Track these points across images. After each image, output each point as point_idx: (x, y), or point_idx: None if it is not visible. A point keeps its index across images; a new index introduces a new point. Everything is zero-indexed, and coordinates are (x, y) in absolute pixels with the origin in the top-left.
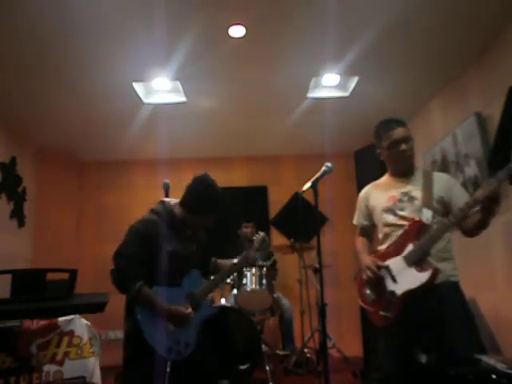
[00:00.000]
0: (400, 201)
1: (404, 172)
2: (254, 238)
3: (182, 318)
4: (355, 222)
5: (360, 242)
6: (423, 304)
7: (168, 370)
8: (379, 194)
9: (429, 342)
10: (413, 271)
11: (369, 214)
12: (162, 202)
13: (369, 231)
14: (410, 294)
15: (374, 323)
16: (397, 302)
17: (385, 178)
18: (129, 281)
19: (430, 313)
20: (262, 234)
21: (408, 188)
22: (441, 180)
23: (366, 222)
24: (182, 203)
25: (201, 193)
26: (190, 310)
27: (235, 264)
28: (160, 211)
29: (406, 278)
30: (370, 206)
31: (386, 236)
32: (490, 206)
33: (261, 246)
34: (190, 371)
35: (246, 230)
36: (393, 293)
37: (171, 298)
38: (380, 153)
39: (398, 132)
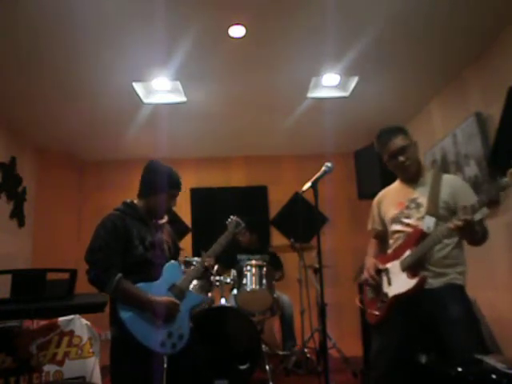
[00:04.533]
0: (407, 208)
1: (410, 179)
2: (227, 222)
3: (170, 309)
4: (369, 227)
5: (370, 244)
6: (421, 306)
7: (165, 366)
8: (389, 201)
9: (427, 343)
10: (404, 276)
11: (381, 220)
12: (124, 201)
13: (382, 235)
14: (399, 298)
15: (367, 320)
16: (387, 304)
17: (396, 184)
18: (106, 273)
19: (427, 314)
20: (234, 217)
21: (415, 194)
22: (448, 184)
23: (379, 228)
24: (139, 194)
25: (149, 173)
26: (176, 300)
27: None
28: (121, 207)
29: (398, 282)
30: (382, 213)
31: (394, 242)
32: (462, 234)
33: (236, 229)
34: (189, 364)
35: (243, 238)
36: (386, 294)
37: (152, 292)
38: (385, 163)
39: (394, 144)
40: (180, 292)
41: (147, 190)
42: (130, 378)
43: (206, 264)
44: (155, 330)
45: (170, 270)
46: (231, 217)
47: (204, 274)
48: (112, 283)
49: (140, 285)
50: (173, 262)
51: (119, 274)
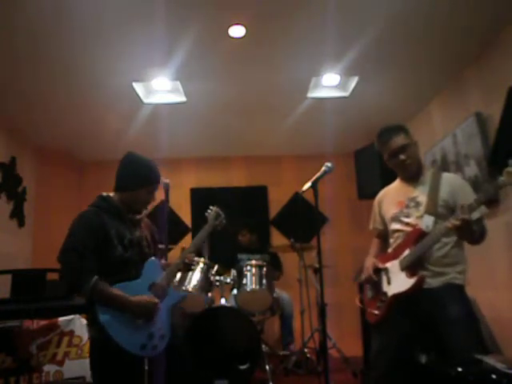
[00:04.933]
0: (407, 206)
1: (410, 178)
2: (206, 214)
3: (149, 308)
4: (371, 227)
5: (372, 244)
6: (420, 305)
7: (146, 367)
8: (389, 201)
9: (427, 343)
10: (403, 275)
11: (382, 219)
12: (99, 195)
13: (384, 234)
14: (398, 297)
15: (367, 319)
16: (386, 303)
17: (396, 183)
18: (81, 276)
19: (426, 314)
20: (214, 208)
21: (415, 193)
22: (448, 183)
23: (380, 227)
24: (116, 188)
25: (127, 166)
26: (155, 299)
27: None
28: (97, 202)
29: (397, 282)
30: (382, 212)
31: (394, 241)
32: (460, 233)
33: (215, 221)
34: (169, 364)
35: (243, 238)
36: (385, 294)
37: (132, 292)
38: (386, 162)
39: (394, 142)
40: (161, 290)
41: (125, 185)
42: (111, 381)
43: (186, 261)
44: (135, 332)
45: (150, 268)
46: (210, 207)
47: (185, 269)
48: (88, 286)
49: (119, 285)
50: (153, 258)
51: (95, 277)
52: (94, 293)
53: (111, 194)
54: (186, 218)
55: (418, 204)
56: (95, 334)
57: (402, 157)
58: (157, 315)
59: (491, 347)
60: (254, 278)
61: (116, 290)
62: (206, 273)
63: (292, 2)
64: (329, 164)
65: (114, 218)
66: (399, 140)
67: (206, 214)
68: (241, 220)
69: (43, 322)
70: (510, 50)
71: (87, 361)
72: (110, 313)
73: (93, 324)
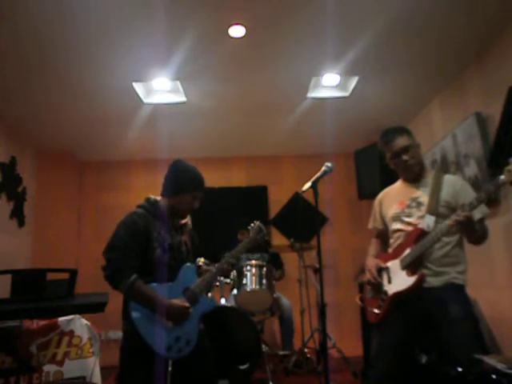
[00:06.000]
0: (408, 207)
1: (412, 178)
2: (249, 227)
3: (181, 313)
4: (370, 226)
5: (372, 244)
6: (420, 305)
7: (170, 369)
8: (390, 201)
9: (426, 343)
10: (403, 274)
11: (382, 219)
12: (147, 198)
13: (384, 234)
14: (399, 295)
15: (368, 319)
16: (387, 302)
17: (398, 184)
18: (122, 272)
19: (426, 313)
20: (257, 222)
21: (417, 194)
22: (450, 184)
23: (380, 227)
24: (164, 192)
25: (173, 173)
26: (187, 304)
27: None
28: (145, 205)
29: (397, 280)
30: (383, 213)
31: (395, 241)
32: (463, 229)
33: (258, 235)
34: (193, 369)
35: (243, 237)
36: (386, 292)
37: (166, 294)
38: (388, 162)
39: (397, 143)
40: (193, 296)
41: (171, 190)
42: (136, 376)
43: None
44: (163, 333)
45: (186, 273)
46: (254, 221)
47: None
48: (126, 284)
49: (154, 285)
50: (189, 264)
51: (134, 275)
52: (131, 289)
53: (158, 198)
54: None
55: (419, 204)
56: (127, 329)
57: (405, 157)
58: (187, 320)
59: (491, 347)
60: (253, 278)
61: (152, 291)
62: None
63: (292, 3)
64: (329, 164)
65: (159, 222)
66: (403, 141)
67: (249, 227)
68: (241, 220)
69: (43, 322)
70: (510, 50)
71: (87, 361)
72: (142, 311)
73: (126, 317)
